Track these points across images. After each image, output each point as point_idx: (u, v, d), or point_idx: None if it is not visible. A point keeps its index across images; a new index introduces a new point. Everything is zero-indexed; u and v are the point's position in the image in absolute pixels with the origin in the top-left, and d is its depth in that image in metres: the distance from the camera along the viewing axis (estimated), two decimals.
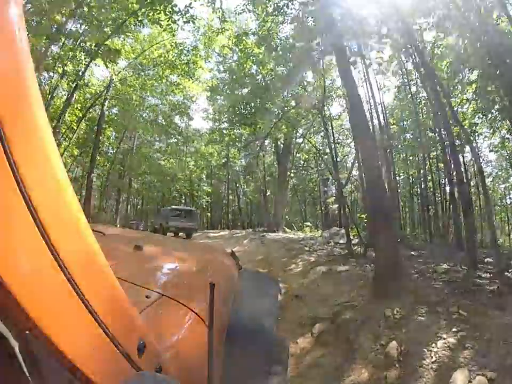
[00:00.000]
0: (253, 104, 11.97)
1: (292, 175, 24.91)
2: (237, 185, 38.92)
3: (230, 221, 37.30)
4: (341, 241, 10.32)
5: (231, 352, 1.19)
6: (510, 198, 27.39)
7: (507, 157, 20.76)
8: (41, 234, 0.41)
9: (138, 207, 39.99)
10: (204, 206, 35.55)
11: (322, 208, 29.45)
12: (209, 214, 38.81)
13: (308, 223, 23.05)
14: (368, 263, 6.95)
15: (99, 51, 10.13)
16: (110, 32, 11.25)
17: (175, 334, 0.95)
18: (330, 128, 12.25)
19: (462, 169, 10.10)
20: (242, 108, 12.05)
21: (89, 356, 0.51)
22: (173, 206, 20.90)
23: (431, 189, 16.53)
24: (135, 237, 2.40)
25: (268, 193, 35.90)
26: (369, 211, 5.80)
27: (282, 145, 22.57)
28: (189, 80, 15.32)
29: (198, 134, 31.68)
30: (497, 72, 8.13)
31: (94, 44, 10.81)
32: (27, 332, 0.42)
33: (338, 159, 33.01)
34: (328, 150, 12.00)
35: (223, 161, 33.87)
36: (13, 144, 0.37)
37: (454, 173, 7.70)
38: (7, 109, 0.38)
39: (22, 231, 0.40)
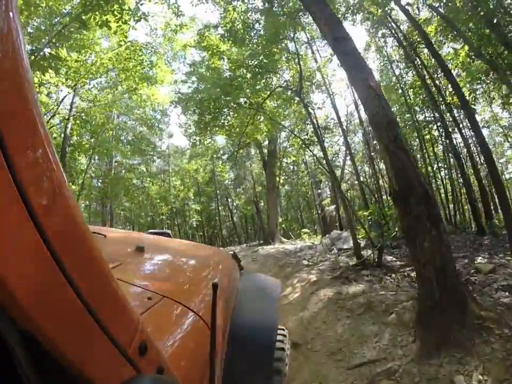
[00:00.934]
0: (222, 102, 10.35)
1: (282, 181, 23.31)
2: (228, 199, 37.33)
3: (225, 238, 35.57)
4: (345, 246, 8.77)
5: (232, 353, 1.22)
6: (508, 173, 26.19)
7: (502, 130, 19.69)
8: (40, 235, 0.41)
9: None
10: (195, 226, 33.75)
11: (319, 211, 27.90)
12: (201, 234, 37.01)
13: (306, 230, 21.54)
14: (388, 274, 5.39)
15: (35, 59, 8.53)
16: (46, 41, 9.73)
17: (176, 335, 0.95)
18: (314, 117, 10.57)
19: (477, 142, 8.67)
20: (210, 108, 10.45)
21: (90, 357, 0.51)
22: (150, 230, 20.89)
23: (432, 174, 15.00)
24: (137, 238, 2.28)
25: (262, 203, 34.63)
26: (399, 197, 3.76)
27: (267, 151, 21.11)
28: (149, 85, 13.66)
29: (179, 151, 30.12)
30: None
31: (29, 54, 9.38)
32: (27, 332, 0.42)
33: (328, 157, 32.37)
34: (316, 142, 10.42)
35: (210, 176, 32.48)
36: (12, 145, 0.38)
37: (465, 150, 6.13)
38: (5, 109, 0.38)
39: (21, 232, 0.39)
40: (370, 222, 8.14)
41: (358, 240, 9.18)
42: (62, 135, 15.36)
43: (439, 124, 12.93)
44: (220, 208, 35.79)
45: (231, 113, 11.93)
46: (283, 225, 32.92)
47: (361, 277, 5.46)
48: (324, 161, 9.77)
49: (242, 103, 10.69)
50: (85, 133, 16.59)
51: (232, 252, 2.32)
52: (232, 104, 10.59)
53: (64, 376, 0.48)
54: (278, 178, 20.67)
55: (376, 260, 6.19)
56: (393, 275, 5.33)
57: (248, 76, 10.05)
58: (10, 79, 0.40)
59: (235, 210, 39.07)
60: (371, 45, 16.30)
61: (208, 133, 14.29)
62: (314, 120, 10.92)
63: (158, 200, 29.77)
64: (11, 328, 0.41)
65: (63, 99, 14.04)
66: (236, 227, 38.07)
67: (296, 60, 9.77)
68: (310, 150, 11.88)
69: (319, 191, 33.21)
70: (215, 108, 10.69)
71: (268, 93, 10.58)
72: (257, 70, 10.07)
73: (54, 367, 0.47)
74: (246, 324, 1.44)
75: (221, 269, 1.72)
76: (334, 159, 31.47)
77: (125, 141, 17.78)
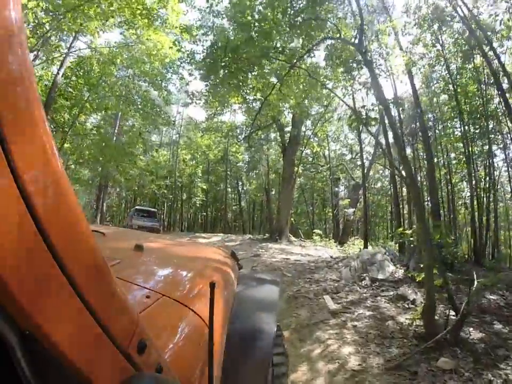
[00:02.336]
0: (245, 51, 7.61)
1: (300, 171, 20.72)
2: (238, 182, 34.94)
3: (229, 222, 33.31)
4: (380, 276, 6.27)
5: (231, 352, 1.21)
6: None
7: None
8: (41, 234, 0.41)
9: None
10: (198, 205, 31.49)
11: (336, 212, 25.36)
12: (205, 214, 34.75)
13: (318, 231, 19.03)
14: (483, 368, 2.89)
15: None
16: None
17: (175, 334, 0.95)
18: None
19: None
20: (228, 58, 7.81)
21: (89, 356, 0.51)
22: (137, 207, 22.00)
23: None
24: (136, 237, 2.33)
25: (273, 192, 32.20)
26: None
27: (288, 136, 18.54)
28: (154, 28, 11.00)
29: (193, 123, 27.72)
30: None
31: None
32: (27, 331, 0.43)
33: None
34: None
35: (222, 155, 30.08)
36: (13, 144, 0.38)
37: None
38: (7, 108, 0.38)
39: (21, 231, 0.40)
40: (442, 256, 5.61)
41: (398, 266, 6.70)
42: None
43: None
44: (228, 190, 33.45)
45: (254, 70, 9.14)
46: (292, 219, 30.56)
47: (439, 376, 2.87)
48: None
49: (273, 53, 7.88)
50: (80, 85, 14.18)
51: (231, 251, 2.30)
52: (257, 54, 7.73)
53: (63, 376, 0.48)
54: (296, 168, 18.11)
55: (451, 332, 3.37)
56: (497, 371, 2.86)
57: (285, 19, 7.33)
58: (12, 77, 0.39)
59: (244, 195, 36.77)
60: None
61: (222, 97, 11.67)
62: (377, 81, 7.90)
63: (148, 174, 27.44)
64: (11, 328, 0.41)
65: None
66: (243, 212, 35.80)
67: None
68: (372, 134, 9.00)
69: (337, 189, 30.86)
70: (234, 59, 8.01)
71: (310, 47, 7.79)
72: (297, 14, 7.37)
73: (53, 367, 0.47)
74: (245, 323, 1.44)
75: (219, 268, 1.69)
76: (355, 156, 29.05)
77: (126, 100, 15.19)
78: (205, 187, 30.14)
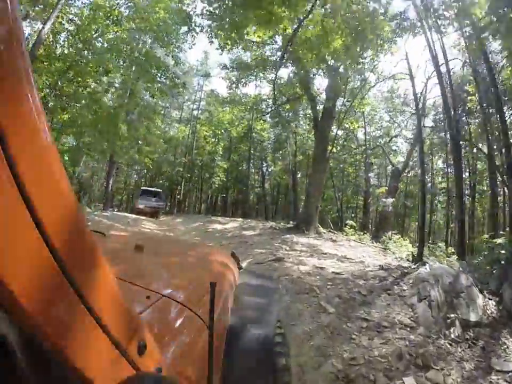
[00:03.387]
0: None
1: (335, 150, 17.87)
2: (263, 163, 32.33)
3: (251, 207, 30.94)
4: (473, 318, 3.70)
5: (231, 352, 1.23)
6: None
7: None
8: (40, 234, 0.42)
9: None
10: (218, 186, 29.21)
11: (369, 201, 22.63)
12: (225, 196, 32.40)
13: (351, 222, 16.40)
14: None
15: None
16: None
17: (175, 334, 0.96)
18: None
19: None
20: None
21: (89, 356, 0.51)
22: (143, 188, 22.53)
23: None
24: (136, 237, 2.36)
25: (299, 175, 29.54)
26: None
27: (322, 109, 15.78)
28: None
29: (214, 96, 25.24)
30: None
31: None
32: (27, 332, 0.44)
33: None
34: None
35: (245, 131, 27.50)
36: (12, 143, 0.38)
37: None
38: (6, 108, 0.38)
39: (21, 231, 0.40)
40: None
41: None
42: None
43: None
44: (251, 170, 30.92)
45: None
46: (320, 206, 27.91)
47: None
48: None
49: None
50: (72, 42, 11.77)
51: (231, 251, 2.27)
52: None
53: (63, 376, 0.48)
54: (330, 147, 15.38)
55: None
56: None
57: None
58: (10, 75, 0.39)
59: (267, 177, 34.23)
60: None
61: (236, 28, 8.89)
62: None
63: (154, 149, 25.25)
64: (11, 328, 0.42)
65: None
66: (266, 196, 33.32)
67: None
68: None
69: (370, 174, 28.06)
70: None
71: None
72: None
73: (53, 367, 0.47)
74: (245, 323, 1.44)
75: (219, 268, 1.71)
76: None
77: (127, 59, 12.57)
78: (225, 166, 27.73)
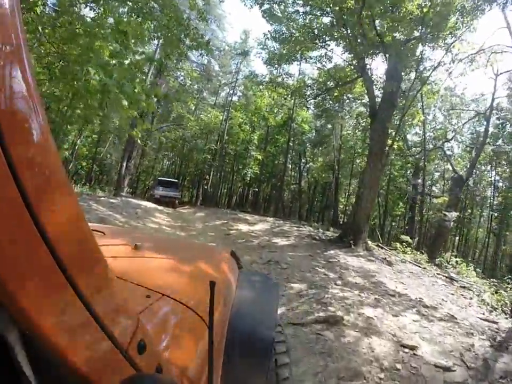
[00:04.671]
0: None
1: (395, 146, 14.58)
2: (301, 158, 29.18)
3: (284, 204, 27.98)
4: None
5: (231, 352, 1.26)
6: None
7: None
8: (40, 234, 0.42)
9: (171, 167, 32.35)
10: (250, 178, 26.39)
11: (419, 211, 19.35)
12: (257, 190, 29.51)
13: (406, 238, 13.28)
14: None
15: None
16: None
17: (175, 333, 0.96)
18: None
19: None
20: None
21: (89, 356, 0.51)
22: (159, 178, 22.61)
23: None
24: (135, 236, 2.34)
25: (340, 176, 26.28)
26: None
27: (381, 95, 12.79)
28: None
29: (251, 78, 22.49)
30: None
31: None
32: (27, 332, 0.44)
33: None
34: None
35: (285, 120, 24.57)
36: (12, 143, 0.38)
37: None
38: (6, 108, 0.39)
39: (20, 231, 0.40)
40: None
41: None
42: None
43: None
44: (288, 165, 27.89)
45: None
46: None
47: None
48: None
49: None
50: None
51: (231, 250, 2.16)
52: None
53: (63, 376, 0.48)
54: (390, 141, 12.26)
55: None
56: None
57: None
58: (10, 72, 0.39)
59: (305, 174, 31.11)
60: None
61: None
62: None
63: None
64: (11, 328, 0.42)
65: None
66: (302, 194, 30.21)
67: None
68: None
69: (419, 181, 24.60)
70: None
71: None
72: None
73: (53, 367, 0.48)
74: (245, 323, 1.44)
75: (219, 267, 1.70)
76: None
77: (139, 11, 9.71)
78: (260, 157, 24.83)
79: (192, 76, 25.22)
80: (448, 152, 24.03)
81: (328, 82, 16.57)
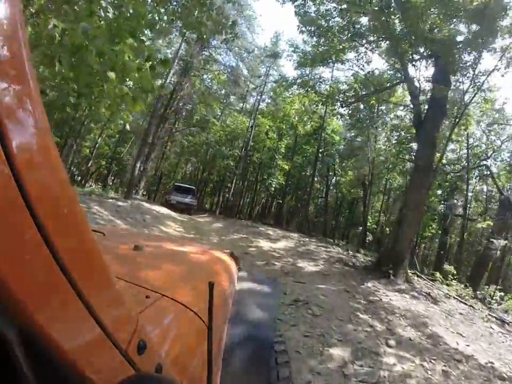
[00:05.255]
0: None
1: (445, 161, 12.78)
2: (329, 171, 27.37)
3: (309, 219, 26.27)
4: None
5: (230, 352, 1.27)
6: None
7: None
8: (40, 233, 0.42)
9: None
10: (274, 189, 24.77)
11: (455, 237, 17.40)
12: (281, 202, 27.82)
13: (450, 268, 11.56)
14: None
15: None
16: None
17: (175, 334, 0.97)
18: None
19: None
20: None
21: (89, 356, 0.51)
22: (176, 183, 22.10)
23: None
24: (135, 236, 2.38)
25: (370, 193, 24.37)
26: None
27: (428, 101, 11.24)
28: None
29: (280, 81, 21.18)
30: None
31: None
32: (27, 332, 0.43)
33: None
34: None
35: (315, 129, 23.06)
36: (13, 143, 0.38)
37: None
38: (7, 108, 0.38)
39: (21, 230, 0.40)
40: None
41: None
42: None
43: None
44: (315, 178, 26.17)
45: None
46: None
47: None
48: None
49: None
50: None
51: (230, 251, 2.22)
52: None
53: (63, 376, 0.48)
54: (439, 154, 10.61)
55: None
56: None
57: None
58: (12, 73, 0.39)
59: (332, 187, 29.32)
60: None
61: None
62: None
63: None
64: (11, 328, 0.42)
65: None
66: (327, 209, 28.36)
67: None
68: None
69: (455, 201, 22.54)
70: None
71: None
72: None
73: (53, 367, 0.47)
74: (244, 323, 1.45)
75: (218, 268, 1.72)
76: None
77: None
78: (287, 167, 23.16)
79: (219, 79, 24.14)
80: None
81: (364, 89, 15.16)
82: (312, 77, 16.98)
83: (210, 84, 25.39)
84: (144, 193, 24.30)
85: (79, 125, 22.63)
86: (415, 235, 10.67)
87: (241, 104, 29.61)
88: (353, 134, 24.36)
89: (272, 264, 7.98)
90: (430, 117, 10.31)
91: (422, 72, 25.97)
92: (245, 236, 11.96)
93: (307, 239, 14.57)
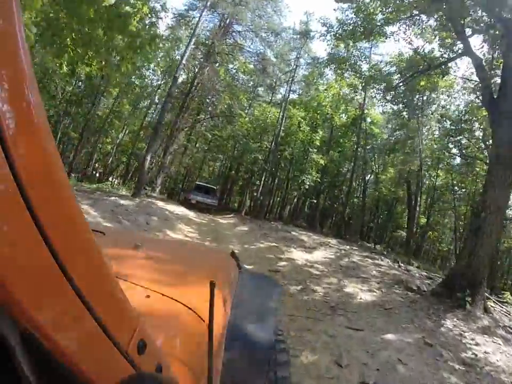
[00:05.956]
0: None
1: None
2: (366, 167, 24.63)
3: (345, 222, 23.79)
4: None
5: (231, 352, 1.25)
6: None
7: None
8: (40, 233, 0.41)
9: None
10: (308, 187, 21.74)
11: None
12: (315, 201, 25.24)
13: None
14: None
15: None
16: None
17: (175, 333, 0.96)
18: None
19: None
20: None
21: (89, 356, 0.51)
22: (197, 183, 21.67)
23: None
24: (135, 236, 2.33)
25: (418, 192, 21.63)
26: None
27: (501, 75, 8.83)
28: None
29: (317, 63, 18.70)
30: None
31: None
32: (27, 332, 0.43)
33: None
34: None
35: (352, 120, 20.66)
36: (12, 143, 0.38)
37: None
38: (6, 108, 0.38)
39: (21, 230, 0.40)
40: None
41: None
42: None
43: None
44: (353, 175, 23.57)
45: None
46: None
47: None
48: None
49: None
50: None
51: (231, 250, 2.15)
52: None
53: (63, 376, 0.48)
54: None
55: None
56: None
57: None
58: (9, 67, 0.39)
59: (369, 185, 26.67)
60: None
61: None
62: None
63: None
64: (11, 328, 0.42)
65: None
66: (365, 210, 25.66)
67: None
68: None
69: None
70: None
71: None
72: None
73: (53, 367, 0.47)
74: (245, 323, 1.45)
75: (219, 268, 1.72)
76: None
77: None
78: (323, 162, 20.33)
79: (246, 69, 22.08)
80: None
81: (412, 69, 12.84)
82: (352, 54, 14.61)
83: (236, 73, 23.41)
84: (164, 191, 22.75)
85: (101, 122, 21.71)
86: (493, 249, 8.25)
87: (270, 96, 27.35)
88: (395, 126, 21.75)
89: (311, 290, 5.87)
90: (510, 92, 7.86)
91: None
92: (274, 243, 9.91)
93: (347, 246, 12.36)
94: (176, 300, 1.06)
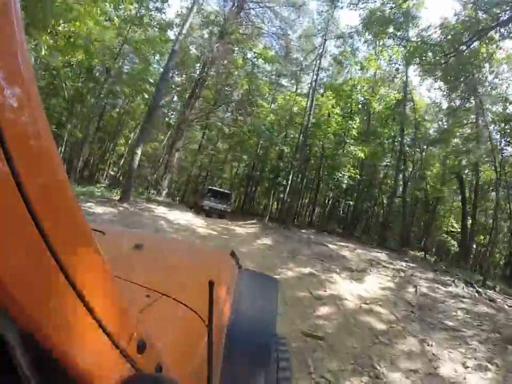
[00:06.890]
0: None
1: None
2: (406, 161, 20.97)
3: (386, 226, 20.60)
4: None
5: (230, 351, 1.24)
6: None
7: None
8: (40, 234, 0.42)
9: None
10: (344, 186, 18.30)
11: None
12: (351, 203, 21.93)
13: None
14: None
15: None
16: None
17: (175, 333, 0.96)
18: None
19: None
20: None
21: (89, 356, 0.51)
22: (210, 187, 20.52)
23: None
24: (136, 236, 2.33)
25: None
26: None
27: None
28: None
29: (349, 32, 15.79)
30: None
31: None
32: (27, 332, 0.44)
33: None
34: None
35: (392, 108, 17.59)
36: (12, 144, 0.39)
37: None
38: (6, 108, 0.39)
39: (21, 231, 0.41)
40: None
41: None
42: None
43: None
44: (390, 171, 20.30)
45: None
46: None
47: None
48: None
49: None
50: None
51: (230, 250, 2.13)
52: None
53: (63, 376, 0.48)
54: None
55: None
56: None
57: None
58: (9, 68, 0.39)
59: (409, 183, 23.02)
60: None
61: None
62: None
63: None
64: (11, 329, 0.43)
65: None
66: (406, 213, 21.90)
67: None
68: None
69: None
70: None
71: None
72: None
73: (53, 367, 0.47)
74: (245, 322, 1.44)
75: (218, 267, 1.71)
76: None
77: None
78: (363, 155, 17.05)
79: (266, 55, 19.31)
80: None
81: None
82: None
83: (256, 60, 20.65)
84: (176, 193, 20.47)
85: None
86: None
87: (295, 86, 24.38)
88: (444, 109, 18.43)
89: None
90: None
91: None
92: (308, 268, 7.15)
93: (402, 263, 9.57)
94: (176, 300, 1.05)
